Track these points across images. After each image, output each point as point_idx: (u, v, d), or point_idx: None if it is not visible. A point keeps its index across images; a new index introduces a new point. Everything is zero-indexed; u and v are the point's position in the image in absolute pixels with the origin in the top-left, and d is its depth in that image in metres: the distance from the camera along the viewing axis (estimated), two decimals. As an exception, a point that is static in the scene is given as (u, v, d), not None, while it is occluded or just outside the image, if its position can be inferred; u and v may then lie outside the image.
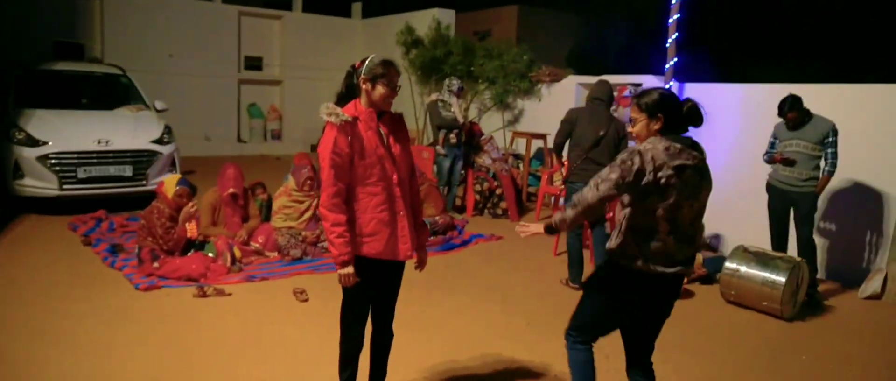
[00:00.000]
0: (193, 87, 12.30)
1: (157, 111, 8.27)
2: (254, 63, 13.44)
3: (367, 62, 2.80)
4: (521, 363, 3.81)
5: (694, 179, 2.54)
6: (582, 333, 2.78)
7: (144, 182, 7.29)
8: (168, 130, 7.75)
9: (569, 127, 5.34)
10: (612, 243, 2.62)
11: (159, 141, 7.50)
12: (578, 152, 5.20)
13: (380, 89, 2.78)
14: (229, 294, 4.74)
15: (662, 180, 2.48)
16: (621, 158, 2.51)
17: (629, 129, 2.69)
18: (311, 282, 5.11)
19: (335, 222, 2.73)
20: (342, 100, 2.86)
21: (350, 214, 2.78)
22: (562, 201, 6.97)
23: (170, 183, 5.27)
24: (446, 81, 7.98)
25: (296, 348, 3.89)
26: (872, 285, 5.40)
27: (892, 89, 5.57)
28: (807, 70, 10.53)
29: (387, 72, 2.79)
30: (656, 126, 2.57)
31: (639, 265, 2.57)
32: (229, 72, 12.88)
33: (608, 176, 2.51)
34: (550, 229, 2.72)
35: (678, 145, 2.53)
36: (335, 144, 2.70)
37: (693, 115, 2.61)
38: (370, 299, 2.95)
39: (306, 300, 4.70)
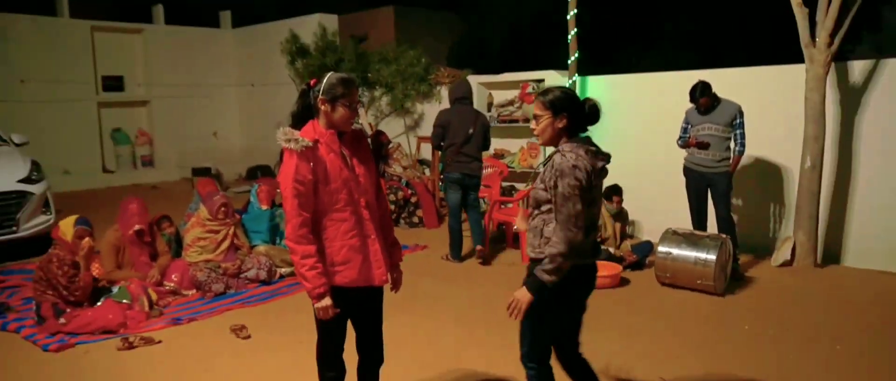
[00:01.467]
0: (46, 115, 11.26)
1: (17, 146, 7.51)
2: (114, 83, 12.52)
3: (325, 81, 2.73)
4: (501, 369, 3.88)
5: (602, 178, 2.75)
6: (545, 352, 2.78)
7: (15, 228, 6.60)
8: (36, 166, 7.08)
9: (442, 130, 6.23)
10: (540, 250, 2.64)
11: (28, 180, 6.83)
12: (453, 150, 6.17)
13: (341, 110, 2.72)
14: (159, 342, 4.41)
15: (593, 184, 2.64)
16: (569, 186, 2.55)
17: (532, 126, 2.77)
18: (245, 316, 4.89)
19: (304, 254, 2.65)
20: (298, 121, 2.78)
21: (318, 243, 2.71)
22: (483, 202, 7.11)
23: (66, 226, 4.82)
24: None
25: (256, 390, 3.71)
26: (783, 253, 6.02)
27: (783, 70, 6.23)
28: (683, 57, 11.50)
29: (348, 91, 2.73)
30: (560, 124, 2.66)
31: (587, 261, 2.72)
32: (86, 95, 11.92)
33: (575, 210, 2.55)
34: (539, 287, 2.60)
35: (592, 149, 2.68)
36: (297, 172, 2.62)
37: (593, 113, 2.74)
38: (345, 329, 2.90)
39: (249, 337, 4.48)
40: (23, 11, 11.35)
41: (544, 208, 2.68)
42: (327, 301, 2.69)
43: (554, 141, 2.72)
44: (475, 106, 8.34)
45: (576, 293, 2.76)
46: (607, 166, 2.74)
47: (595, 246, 2.81)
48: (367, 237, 2.78)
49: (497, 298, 5.31)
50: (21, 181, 6.75)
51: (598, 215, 2.76)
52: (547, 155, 2.77)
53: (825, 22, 5.66)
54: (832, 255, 6.10)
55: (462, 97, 6.32)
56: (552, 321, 2.74)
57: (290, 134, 2.65)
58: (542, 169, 2.74)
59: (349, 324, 2.92)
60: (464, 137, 6.14)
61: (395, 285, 2.96)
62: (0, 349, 4.38)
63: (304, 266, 2.65)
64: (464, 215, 6.49)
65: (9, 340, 4.55)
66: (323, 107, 2.71)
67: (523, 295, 2.63)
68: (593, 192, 2.66)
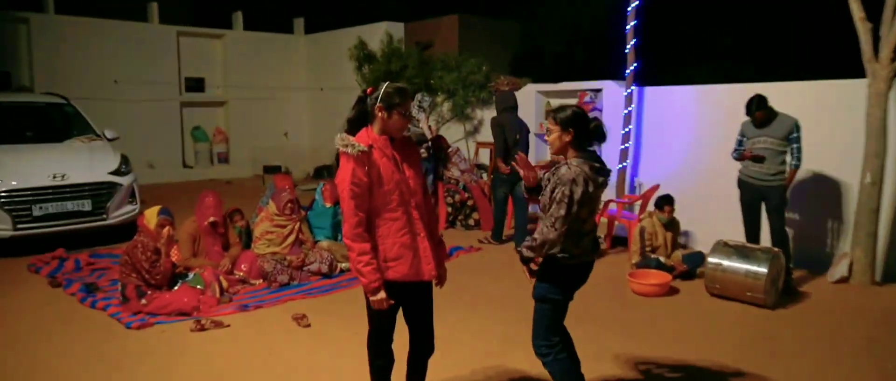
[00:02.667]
0: (133, 112, 11.92)
1: (109, 140, 8.00)
2: (195, 85, 13.13)
3: (382, 90, 2.87)
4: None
5: (601, 190, 3.10)
6: (555, 334, 3.18)
7: (105, 216, 7.04)
8: (125, 160, 7.52)
9: (502, 129, 6.82)
10: (548, 250, 3.04)
11: (118, 172, 7.27)
12: (505, 153, 6.85)
13: (396, 118, 2.87)
14: (227, 325, 4.67)
15: (590, 194, 3.01)
16: (563, 193, 2.95)
17: (546, 138, 3.14)
18: (307, 307, 5.10)
19: (361, 251, 2.80)
20: (353, 127, 2.92)
21: (372, 241, 2.85)
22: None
23: (150, 215, 5.14)
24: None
25: (312, 373, 3.89)
26: (839, 269, 5.83)
27: (845, 85, 6.05)
28: (742, 71, 11.19)
29: (403, 101, 2.88)
30: (567, 138, 3.05)
31: (582, 259, 3.14)
32: (170, 95, 12.54)
33: (559, 214, 2.95)
34: (524, 259, 3.14)
35: (596, 164, 3.06)
36: (353, 175, 2.77)
37: (597, 132, 3.10)
38: (394, 321, 3.02)
39: (309, 326, 4.69)
40: (118, 17, 12.07)
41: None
42: (382, 294, 2.83)
43: (562, 151, 3.10)
44: (532, 114, 8.52)
45: (575, 285, 3.19)
46: (607, 180, 3.10)
47: (594, 243, 3.20)
48: (416, 235, 2.92)
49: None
50: (111, 173, 7.20)
51: (594, 222, 3.18)
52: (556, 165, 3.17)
53: (889, 37, 5.47)
54: (891, 273, 5.87)
55: (512, 106, 7.05)
56: (559, 310, 3.18)
57: (347, 140, 2.81)
58: (549, 177, 3.11)
59: (400, 317, 3.05)
60: (513, 140, 6.83)
61: (440, 282, 3.07)
62: (89, 324, 4.73)
63: (361, 262, 2.80)
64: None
65: (97, 317, 4.90)
66: (380, 114, 2.85)
67: (521, 267, 3.17)
68: (592, 203, 3.07)
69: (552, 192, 3.01)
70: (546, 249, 3.01)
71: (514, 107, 7.04)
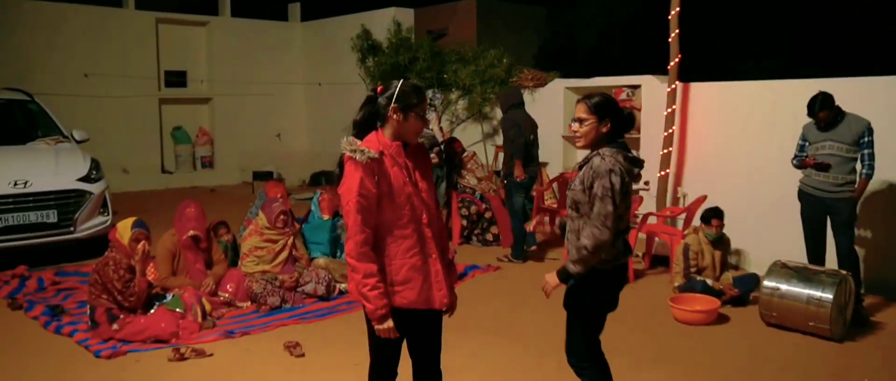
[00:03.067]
0: (105, 110, 12.08)
1: (77, 142, 8.12)
2: (176, 79, 13.31)
3: (397, 89, 2.89)
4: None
5: (635, 182, 3.25)
6: (597, 349, 3.36)
7: (72, 229, 7.16)
8: (95, 164, 7.64)
9: (519, 129, 7.03)
10: (602, 254, 3.14)
11: (87, 178, 7.39)
12: (521, 154, 7.04)
13: (413, 121, 2.90)
14: (210, 355, 4.73)
15: (629, 187, 3.16)
16: (603, 187, 3.07)
17: (573, 129, 3.23)
18: (300, 333, 5.14)
19: (367, 273, 2.80)
20: (361, 130, 2.94)
21: (379, 261, 2.87)
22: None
23: (123, 228, 5.22)
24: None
25: (308, 412, 3.92)
26: (918, 295, 5.78)
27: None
28: (803, 66, 11.13)
29: (421, 101, 2.91)
30: (605, 129, 3.16)
31: (618, 261, 3.25)
32: (148, 90, 12.72)
33: (606, 211, 3.06)
34: (567, 277, 3.21)
35: (630, 155, 3.20)
36: (361, 186, 2.78)
37: (630, 121, 3.27)
38: (399, 354, 3.04)
39: (302, 355, 4.74)
40: (89, 2, 12.26)
41: (582, 209, 3.17)
42: (389, 323, 2.85)
43: (595, 145, 3.21)
44: (559, 114, 8.59)
45: (612, 292, 3.32)
46: (640, 172, 3.25)
47: (626, 245, 3.32)
48: (428, 256, 2.94)
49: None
50: (80, 180, 7.32)
51: (628, 220, 3.30)
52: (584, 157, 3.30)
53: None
54: (980, 301, 5.81)
55: (520, 102, 7.34)
56: (597, 320, 3.31)
57: (355, 144, 2.82)
58: (579, 170, 3.23)
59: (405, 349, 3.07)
60: (528, 140, 7.10)
61: (450, 310, 3.08)
62: (53, 353, 4.80)
63: (366, 286, 2.81)
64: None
65: (62, 344, 4.98)
66: (395, 116, 2.87)
67: (552, 279, 3.25)
68: (628, 198, 3.18)
69: (590, 188, 3.10)
70: (601, 253, 3.09)
71: (522, 103, 7.39)
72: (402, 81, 2.95)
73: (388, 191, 2.84)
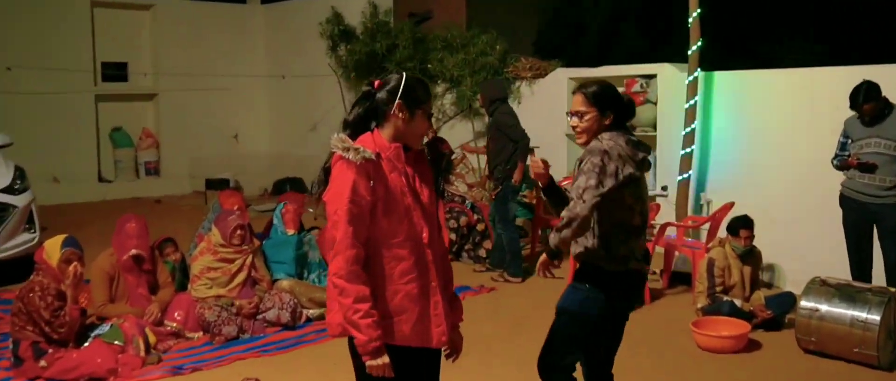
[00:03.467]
0: (32, 109, 11.97)
1: (-1, 148, 8.04)
2: (115, 72, 13.22)
3: (400, 82, 2.83)
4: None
5: (644, 170, 3.34)
6: (566, 368, 3.47)
7: (-9, 248, 7.07)
8: (20, 173, 7.59)
9: (519, 126, 7.26)
10: (585, 243, 3.30)
11: (10, 189, 7.33)
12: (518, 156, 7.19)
13: (419, 121, 2.85)
14: (154, 395, 4.66)
15: (635, 174, 3.24)
16: (592, 163, 3.19)
17: (573, 124, 3.35)
18: (260, 368, 5.09)
19: (359, 297, 2.71)
20: (355, 131, 2.87)
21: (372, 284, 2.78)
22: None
23: (52, 248, 5.17)
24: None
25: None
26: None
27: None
28: (844, 52, 11.19)
29: (428, 98, 2.88)
30: (607, 121, 3.29)
31: (633, 266, 3.33)
32: (82, 85, 12.60)
33: (588, 184, 3.17)
34: (553, 254, 3.33)
35: (633, 138, 3.31)
36: (353, 190, 2.71)
37: (630, 109, 3.42)
38: None
39: (264, 394, 4.68)
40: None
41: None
42: (385, 358, 2.74)
43: (594, 138, 3.31)
44: (563, 107, 8.59)
45: (622, 297, 3.39)
46: (650, 158, 3.36)
47: (645, 253, 3.44)
48: (428, 284, 2.87)
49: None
50: (2, 191, 7.25)
51: (646, 214, 3.39)
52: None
53: None
54: None
55: (505, 98, 7.59)
56: (583, 328, 3.37)
57: (349, 142, 2.75)
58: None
59: None
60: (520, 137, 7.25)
61: (454, 351, 3.03)
62: (-32, 394, 4.72)
63: (358, 312, 2.69)
64: None
65: (-21, 384, 4.89)
66: (400, 114, 2.81)
67: (542, 259, 3.40)
68: (640, 190, 3.31)
69: (580, 164, 3.28)
70: (575, 227, 3.18)
71: (507, 98, 7.74)
72: (405, 74, 2.90)
73: (384, 199, 2.77)
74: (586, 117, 3.30)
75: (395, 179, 2.81)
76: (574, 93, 3.41)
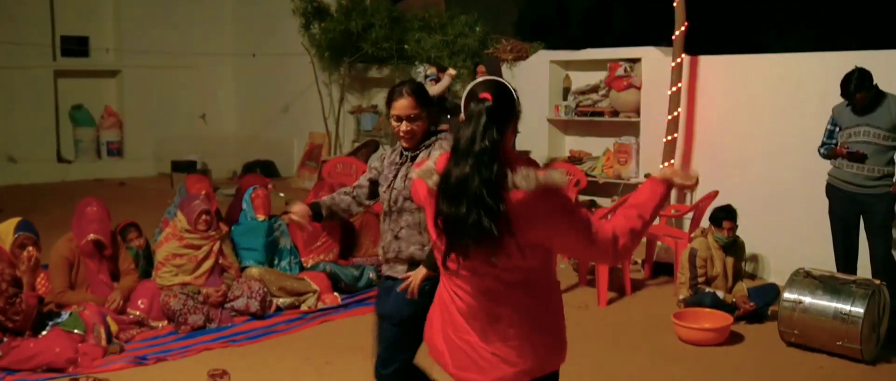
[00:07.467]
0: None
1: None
2: (76, 47, 13.07)
3: (513, 94, 2.64)
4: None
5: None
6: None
7: (-56, 231, 6.99)
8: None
9: None
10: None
11: (-37, 169, 7.22)
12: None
13: (511, 138, 2.68)
14: (115, 386, 4.66)
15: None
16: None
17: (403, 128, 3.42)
18: (228, 359, 5.09)
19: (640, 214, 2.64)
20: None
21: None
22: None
23: (5, 231, 5.17)
24: (422, 69, 8.29)
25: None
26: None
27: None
28: (835, 37, 11.27)
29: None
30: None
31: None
32: (40, 60, 12.47)
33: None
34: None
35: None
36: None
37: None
38: None
39: (230, 386, 4.68)
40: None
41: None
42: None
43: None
44: (545, 92, 8.60)
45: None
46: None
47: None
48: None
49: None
50: (-46, 171, 7.16)
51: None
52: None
53: None
54: None
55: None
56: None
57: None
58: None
59: None
60: None
61: None
62: (-81, 384, 4.68)
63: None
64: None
65: (-70, 374, 4.85)
66: (515, 136, 2.70)
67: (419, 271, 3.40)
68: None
69: None
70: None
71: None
72: (508, 83, 2.69)
73: None
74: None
75: None
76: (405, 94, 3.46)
